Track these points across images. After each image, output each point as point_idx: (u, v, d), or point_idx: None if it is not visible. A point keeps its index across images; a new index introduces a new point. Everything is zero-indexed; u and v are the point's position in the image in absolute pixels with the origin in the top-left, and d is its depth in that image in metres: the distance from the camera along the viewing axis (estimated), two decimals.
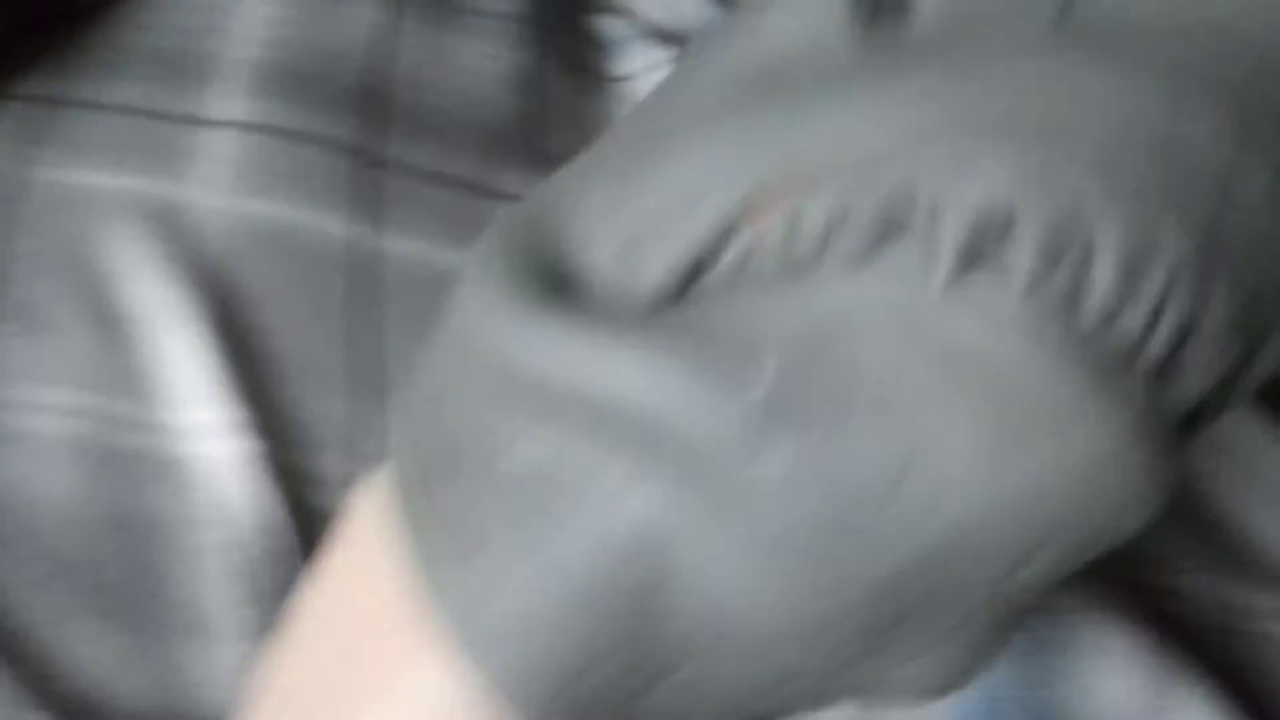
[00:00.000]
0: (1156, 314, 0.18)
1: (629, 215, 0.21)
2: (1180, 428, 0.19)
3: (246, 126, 0.35)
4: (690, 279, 0.21)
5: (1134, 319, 0.18)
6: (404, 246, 0.35)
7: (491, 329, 0.20)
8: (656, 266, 0.20)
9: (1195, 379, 0.19)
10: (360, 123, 0.38)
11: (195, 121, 0.35)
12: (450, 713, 0.21)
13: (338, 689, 0.22)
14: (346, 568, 0.23)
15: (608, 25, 0.51)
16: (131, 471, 0.28)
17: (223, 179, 0.34)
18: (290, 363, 0.31)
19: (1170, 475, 0.18)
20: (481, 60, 0.44)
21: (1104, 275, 0.17)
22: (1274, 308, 0.20)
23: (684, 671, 0.21)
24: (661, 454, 0.19)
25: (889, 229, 0.18)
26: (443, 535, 0.21)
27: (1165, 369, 0.18)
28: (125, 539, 0.28)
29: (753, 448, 0.18)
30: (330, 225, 0.34)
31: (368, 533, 0.23)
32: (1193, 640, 0.31)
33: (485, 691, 0.21)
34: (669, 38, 0.51)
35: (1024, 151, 0.18)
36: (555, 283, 0.21)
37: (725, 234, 0.20)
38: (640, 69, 0.49)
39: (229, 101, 0.36)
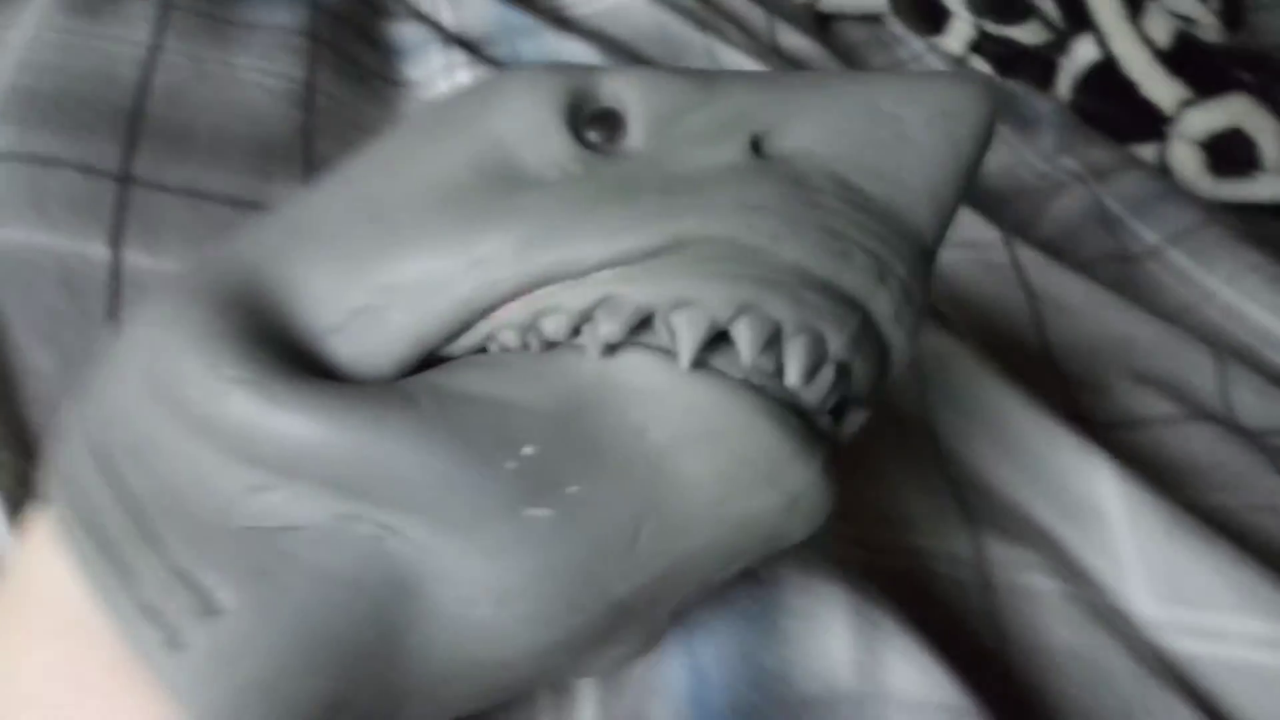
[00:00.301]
0: (834, 384, 0.21)
1: (366, 287, 0.21)
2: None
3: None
4: (433, 350, 0.21)
5: (817, 391, 0.21)
6: (146, 262, 0.35)
7: (223, 397, 0.20)
8: (397, 336, 0.21)
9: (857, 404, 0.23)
10: (108, 145, 0.38)
11: None
12: None
13: None
14: (40, 627, 0.22)
15: (399, 31, 0.51)
16: None
17: None
18: (33, 378, 0.31)
19: (835, 493, 0.22)
20: (255, 75, 0.44)
21: (795, 357, 0.21)
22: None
23: (416, 700, 0.22)
24: (420, 506, 0.20)
25: (641, 321, 0.20)
26: (165, 595, 0.20)
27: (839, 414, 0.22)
28: None
29: (518, 500, 0.20)
30: (63, 244, 0.34)
31: (53, 589, 0.22)
32: (916, 594, 0.32)
33: None
34: (462, 42, 0.51)
35: (737, 276, 0.21)
36: (289, 351, 0.21)
37: (472, 316, 0.21)
38: (436, 70, 0.49)
39: None
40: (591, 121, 0.23)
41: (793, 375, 0.20)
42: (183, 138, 0.40)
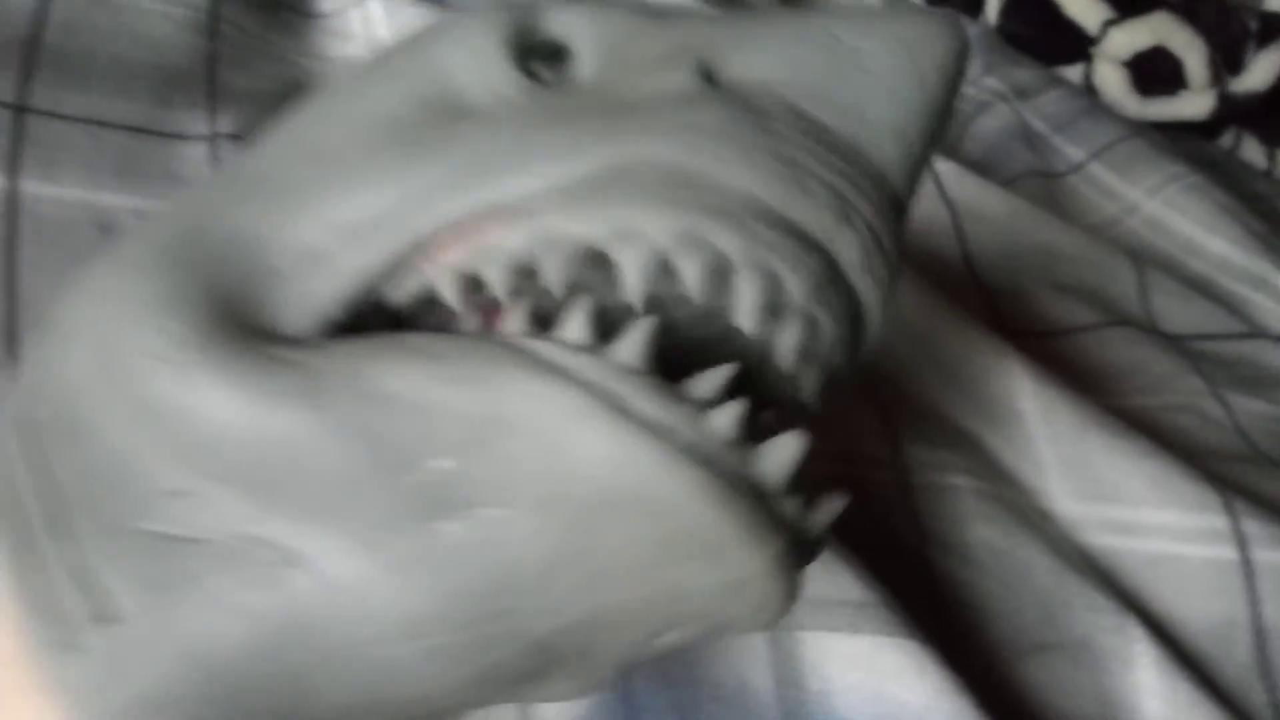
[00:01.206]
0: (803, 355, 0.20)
1: (309, 228, 0.20)
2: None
3: None
4: (369, 299, 0.20)
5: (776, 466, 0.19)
6: (44, 190, 0.34)
7: (154, 371, 0.19)
8: (334, 284, 0.20)
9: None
10: (2, 75, 0.37)
11: None
12: None
13: None
14: None
15: None
16: None
17: None
18: None
19: (798, 586, 0.19)
20: (158, 4, 0.43)
21: (747, 294, 0.19)
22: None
23: None
24: (329, 513, 0.18)
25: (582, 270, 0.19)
26: (69, 593, 0.19)
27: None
28: None
29: (429, 513, 0.18)
30: None
31: None
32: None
33: None
34: None
35: (679, 203, 0.19)
36: (237, 314, 0.19)
37: (413, 252, 0.20)
38: (348, 2, 0.48)
39: None
40: (539, 55, 0.22)
41: (744, 317, 0.19)
42: (81, 67, 0.39)
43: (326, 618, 0.19)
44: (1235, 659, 0.32)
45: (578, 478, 0.18)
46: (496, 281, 0.19)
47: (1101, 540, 0.34)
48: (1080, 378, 0.38)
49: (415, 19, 0.46)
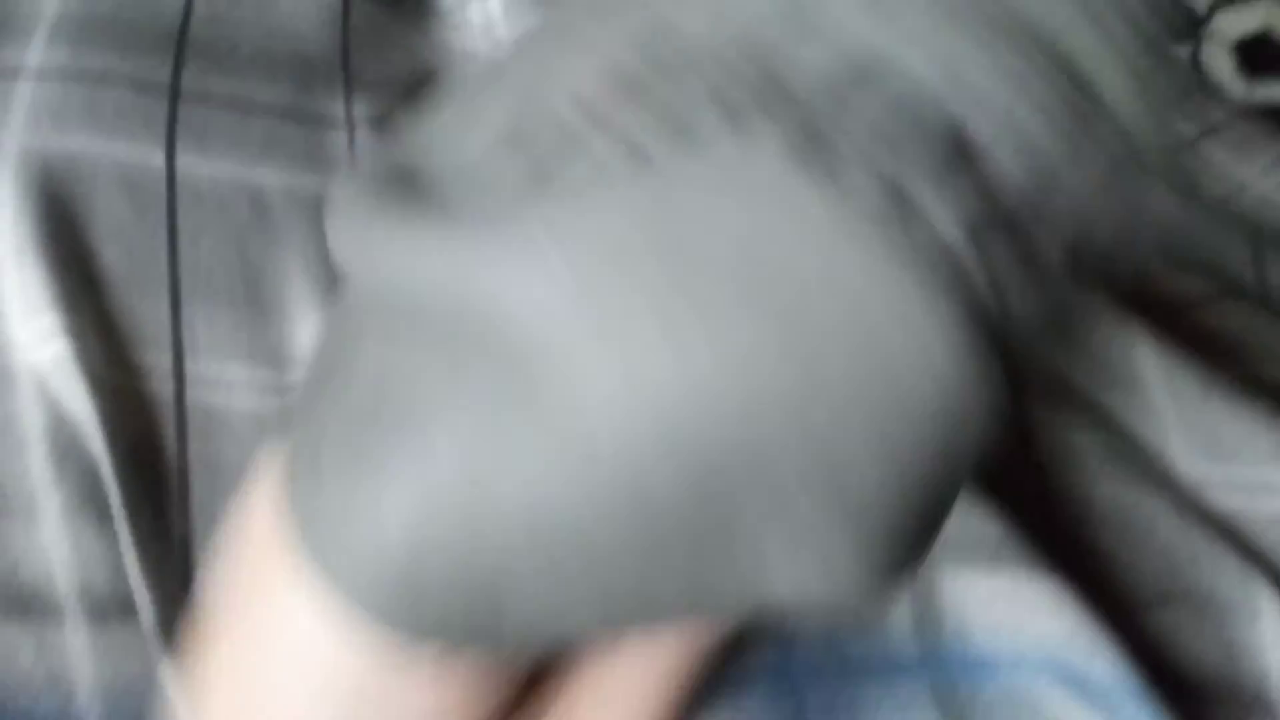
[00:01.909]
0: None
1: (490, 120, 0.21)
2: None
3: (42, 73, 0.37)
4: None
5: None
6: (199, 167, 0.36)
7: (350, 242, 0.20)
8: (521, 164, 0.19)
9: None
10: (157, 62, 0.39)
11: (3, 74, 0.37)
12: (322, 641, 0.21)
13: (231, 627, 0.23)
14: (248, 510, 0.23)
15: None
16: None
17: (22, 121, 0.35)
18: (109, 273, 0.33)
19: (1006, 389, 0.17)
20: (292, 2, 0.45)
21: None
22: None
23: (526, 583, 0.19)
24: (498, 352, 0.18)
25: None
26: (306, 460, 0.20)
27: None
28: None
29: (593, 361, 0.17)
30: (120, 151, 0.35)
31: (268, 473, 0.23)
32: None
33: (352, 617, 0.20)
34: None
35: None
36: (415, 188, 0.20)
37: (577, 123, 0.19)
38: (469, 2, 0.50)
39: (29, 52, 0.38)
40: None
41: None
42: (227, 55, 0.41)
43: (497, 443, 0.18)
44: None
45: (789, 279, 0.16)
46: None
47: (1226, 500, 0.34)
48: (1200, 349, 0.38)
49: (531, 17, 0.48)
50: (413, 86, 0.44)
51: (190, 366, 0.31)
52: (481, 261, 0.18)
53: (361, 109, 0.42)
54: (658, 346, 0.17)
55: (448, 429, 0.18)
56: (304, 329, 0.33)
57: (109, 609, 0.28)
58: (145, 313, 0.32)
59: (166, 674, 0.28)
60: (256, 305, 0.33)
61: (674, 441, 0.17)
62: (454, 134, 0.21)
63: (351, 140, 0.41)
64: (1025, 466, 0.34)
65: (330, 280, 0.34)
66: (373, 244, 0.19)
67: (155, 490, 0.29)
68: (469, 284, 0.18)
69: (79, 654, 0.28)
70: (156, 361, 0.31)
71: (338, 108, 0.42)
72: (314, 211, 0.37)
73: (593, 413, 0.17)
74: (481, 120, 0.21)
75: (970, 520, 0.28)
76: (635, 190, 0.18)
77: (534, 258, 0.18)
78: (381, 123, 0.41)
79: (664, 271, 0.17)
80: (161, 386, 0.31)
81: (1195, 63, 0.58)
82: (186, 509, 0.29)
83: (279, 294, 0.34)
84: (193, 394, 0.31)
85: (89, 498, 0.28)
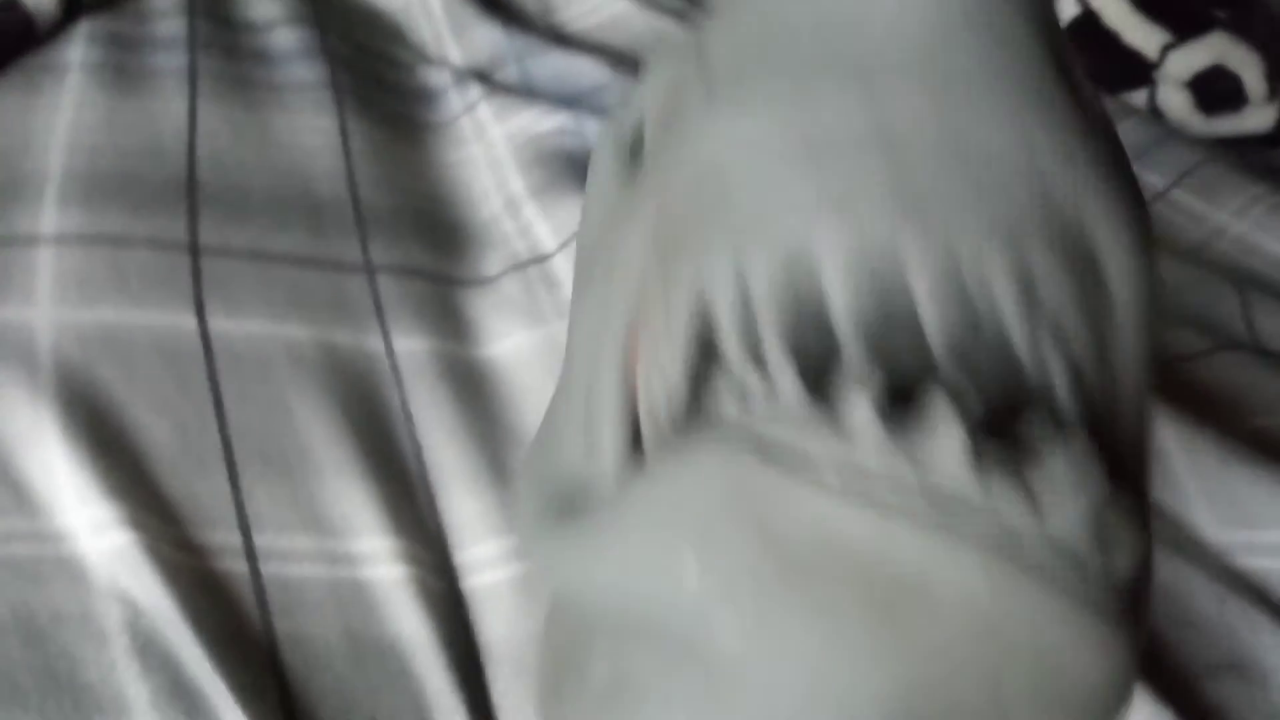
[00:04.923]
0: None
1: (571, 411, 0.23)
2: None
3: (60, 239, 0.37)
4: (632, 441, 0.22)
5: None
6: (230, 327, 0.36)
7: (538, 552, 0.21)
8: (607, 459, 0.22)
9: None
10: (171, 217, 0.39)
11: (15, 242, 0.37)
12: None
13: None
14: None
15: (415, 78, 0.53)
16: (30, 578, 0.30)
17: (49, 294, 0.35)
18: (157, 450, 0.33)
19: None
20: (291, 133, 0.45)
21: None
22: None
23: None
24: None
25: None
26: None
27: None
28: (32, 638, 0.29)
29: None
30: (153, 319, 0.36)
31: None
32: None
33: None
34: (478, 77, 0.53)
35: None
36: (564, 501, 0.22)
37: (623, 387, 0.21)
38: (458, 111, 0.51)
39: (43, 217, 0.38)
40: (633, 150, 0.24)
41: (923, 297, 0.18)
42: (238, 202, 0.41)
43: None
44: None
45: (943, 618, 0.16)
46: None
47: (1251, 563, 0.36)
48: (1200, 405, 0.40)
49: (524, 116, 0.49)
50: (425, 215, 0.44)
51: (259, 541, 0.32)
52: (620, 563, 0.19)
53: (379, 251, 0.42)
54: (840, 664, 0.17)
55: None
56: (350, 493, 0.33)
57: None
58: (204, 490, 0.32)
59: None
60: (308, 469, 0.34)
61: None
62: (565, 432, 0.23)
63: (374, 287, 0.40)
64: None
65: (361, 438, 0.35)
66: (544, 557, 0.21)
67: (248, 671, 0.29)
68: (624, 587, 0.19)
69: None
70: (226, 541, 0.32)
71: (354, 251, 0.41)
72: (344, 364, 0.37)
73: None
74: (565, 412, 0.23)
75: None
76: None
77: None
78: (400, 270, 0.41)
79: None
80: (234, 565, 0.31)
81: (1153, 106, 0.61)
82: (286, 685, 0.30)
83: (327, 456, 0.34)
84: (267, 570, 0.31)
85: (176, 687, 0.29)
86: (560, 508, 0.22)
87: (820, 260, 0.18)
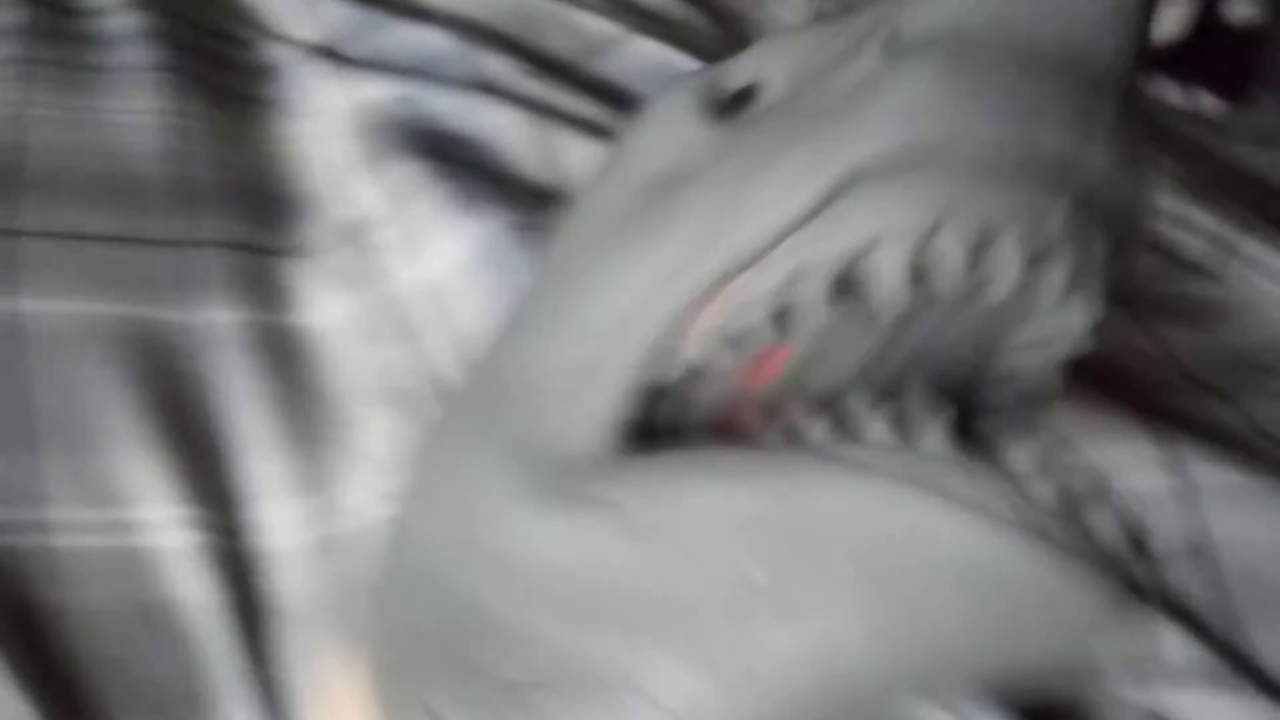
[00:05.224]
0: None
1: (567, 344, 0.22)
2: None
3: None
4: (651, 393, 0.21)
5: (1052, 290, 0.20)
6: (42, 307, 0.37)
7: (498, 525, 0.21)
8: (608, 392, 0.21)
9: None
10: None
11: None
12: None
13: None
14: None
15: (260, 56, 0.53)
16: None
17: None
18: None
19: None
20: (122, 115, 0.45)
21: (1011, 253, 0.19)
22: None
23: None
24: (663, 636, 0.20)
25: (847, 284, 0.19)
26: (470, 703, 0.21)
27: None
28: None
29: (755, 626, 0.19)
30: None
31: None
32: None
33: None
34: (326, 53, 0.53)
35: (922, 185, 0.19)
36: (540, 466, 0.21)
37: (672, 339, 0.21)
38: (303, 85, 0.51)
39: None
40: (730, 106, 0.23)
41: (1010, 271, 0.19)
42: (64, 185, 0.42)
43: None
44: None
45: (911, 569, 0.18)
46: (759, 331, 0.21)
47: None
48: None
49: (367, 89, 0.49)
50: (249, 190, 0.44)
51: (52, 515, 0.32)
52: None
53: (201, 228, 0.41)
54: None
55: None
56: (140, 464, 0.33)
57: None
58: (4, 466, 0.33)
59: None
60: (103, 443, 0.34)
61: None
62: (548, 379, 0.23)
63: (191, 262, 0.40)
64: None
65: (160, 410, 0.35)
66: (533, 534, 0.21)
67: (20, 642, 0.30)
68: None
69: None
70: (26, 516, 0.32)
71: (177, 229, 0.41)
72: (150, 339, 0.37)
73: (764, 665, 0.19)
74: (564, 353, 0.23)
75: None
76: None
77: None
78: (220, 244, 0.41)
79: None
80: (29, 540, 0.31)
81: None
82: (67, 654, 0.30)
83: (122, 428, 0.34)
84: (59, 544, 0.31)
85: None
86: (543, 476, 0.21)
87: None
